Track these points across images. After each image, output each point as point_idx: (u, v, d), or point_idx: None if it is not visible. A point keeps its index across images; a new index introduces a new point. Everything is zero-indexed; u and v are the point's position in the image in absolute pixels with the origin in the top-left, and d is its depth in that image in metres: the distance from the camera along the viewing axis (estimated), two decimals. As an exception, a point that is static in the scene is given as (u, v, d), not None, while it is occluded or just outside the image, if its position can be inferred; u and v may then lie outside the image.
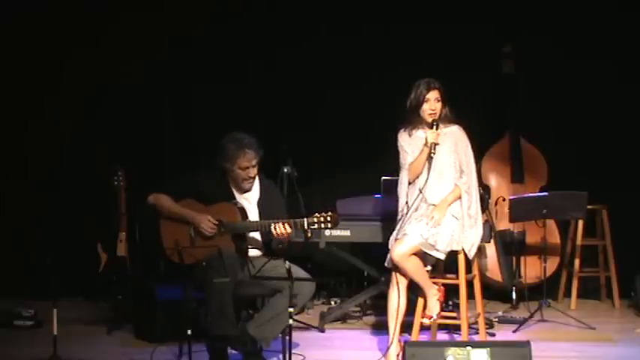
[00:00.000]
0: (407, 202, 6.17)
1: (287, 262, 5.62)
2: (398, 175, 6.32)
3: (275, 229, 5.93)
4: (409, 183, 6.21)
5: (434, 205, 6.16)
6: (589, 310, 7.94)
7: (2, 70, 8.21)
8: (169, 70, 8.26)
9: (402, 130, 6.26)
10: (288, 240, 6.04)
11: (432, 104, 6.17)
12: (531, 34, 8.25)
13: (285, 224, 5.93)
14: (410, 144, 6.22)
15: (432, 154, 6.13)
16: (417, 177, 6.18)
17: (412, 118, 6.21)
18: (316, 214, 5.95)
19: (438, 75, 6.27)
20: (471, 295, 6.39)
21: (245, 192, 6.22)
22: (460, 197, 6.17)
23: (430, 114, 6.17)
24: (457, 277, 6.25)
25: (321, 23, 8.29)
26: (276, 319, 5.92)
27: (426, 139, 6.14)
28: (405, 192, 6.21)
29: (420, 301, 6.20)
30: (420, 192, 6.15)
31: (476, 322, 6.59)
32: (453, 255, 6.18)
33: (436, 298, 6.16)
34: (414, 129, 6.22)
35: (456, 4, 8.22)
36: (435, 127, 6.15)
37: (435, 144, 6.14)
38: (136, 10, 8.14)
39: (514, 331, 7.15)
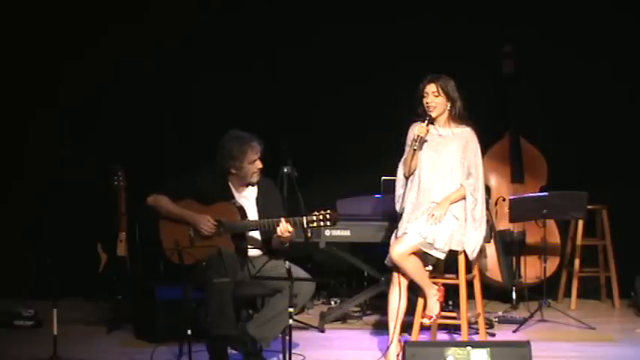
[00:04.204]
0: (402, 195, 6.18)
1: (287, 262, 5.63)
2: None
3: (279, 226, 5.94)
4: (405, 177, 6.21)
5: (435, 202, 6.16)
6: (589, 310, 7.94)
7: (1, 71, 8.21)
8: (169, 69, 8.26)
9: (414, 124, 6.25)
10: (289, 239, 6.04)
11: (428, 98, 6.16)
12: (531, 34, 8.25)
13: (288, 223, 5.95)
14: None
15: (415, 148, 6.12)
16: (413, 172, 6.17)
17: (421, 113, 6.20)
18: (315, 212, 5.96)
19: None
20: (471, 295, 6.39)
21: (244, 190, 6.22)
22: (464, 197, 6.17)
23: (427, 108, 6.16)
24: (457, 277, 6.25)
25: (321, 23, 8.29)
26: (276, 319, 5.92)
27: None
28: (400, 186, 6.23)
29: (420, 301, 6.20)
30: (413, 185, 6.17)
31: (476, 322, 6.60)
32: (453, 255, 6.19)
33: (436, 298, 6.16)
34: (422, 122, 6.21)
35: (456, 3, 8.22)
36: (427, 121, 6.14)
37: (422, 138, 6.12)
38: (135, 10, 8.15)
39: (514, 331, 7.15)
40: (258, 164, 6.17)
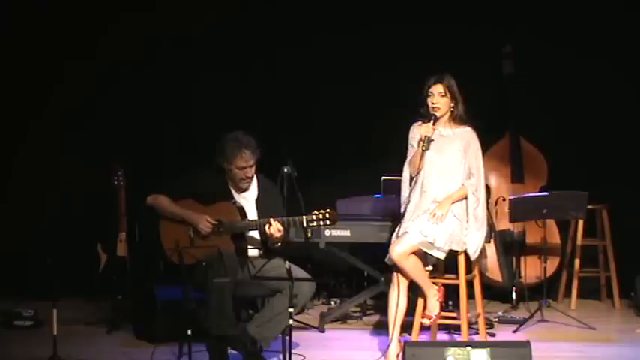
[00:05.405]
0: (408, 196, 6.18)
1: (287, 262, 5.63)
2: (398, 175, 6.33)
3: (268, 228, 5.94)
4: (411, 178, 6.22)
5: (437, 202, 6.15)
6: (589, 310, 7.94)
7: (2, 70, 8.21)
8: (169, 70, 8.26)
9: (416, 124, 6.24)
10: (282, 239, 6.03)
11: (434, 98, 6.16)
12: (531, 34, 8.26)
13: (277, 223, 5.94)
14: (418, 138, 6.20)
15: (424, 148, 6.12)
16: (418, 172, 6.18)
17: (424, 112, 6.20)
18: (315, 212, 5.97)
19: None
20: (471, 295, 6.40)
21: (243, 191, 6.22)
22: (466, 197, 6.17)
23: (433, 108, 6.16)
24: (457, 277, 6.25)
25: (321, 23, 8.29)
26: (276, 319, 5.92)
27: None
28: (406, 187, 6.23)
29: (420, 301, 6.21)
30: (416, 185, 6.17)
31: (476, 322, 6.60)
32: (453, 255, 6.19)
33: (436, 298, 6.17)
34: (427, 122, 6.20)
35: (456, 4, 8.22)
36: (432, 121, 6.14)
37: (429, 138, 6.13)
38: (135, 10, 8.15)
39: (514, 331, 7.15)
40: (247, 173, 6.14)
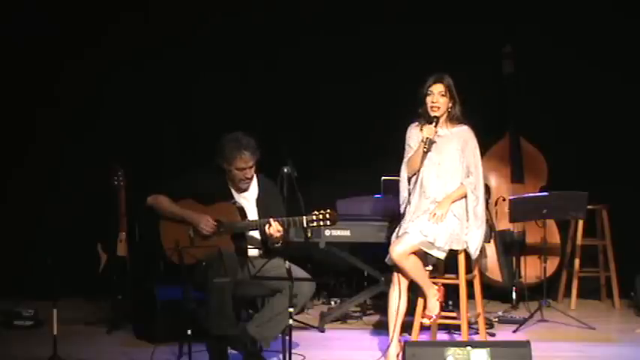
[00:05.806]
0: (407, 197, 6.18)
1: (287, 262, 5.63)
2: (398, 175, 6.32)
3: (268, 228, 5.94)
4: (409, 178, 6.21)
5: (437, 202, 6.15)
6: (589, 310, 7.94)
7: (2, 70, 8.22)
8: (169, 69, 8.27)
9: (413, 124, 6.25)
10: (281, 239, 6.04)
11: (434, 97, 6.15)
12: (531, 34, 8.26)
13: (277, 223, 5.94)
14: (416, 139, 6.20)
15: (425, 150, 6.12)
16: (416, 173, 6.18)
17: (422, 112, 6.19)
18: (315, 212, 5.97)
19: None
20: (471, 295, 6.40)
21: (243, 191, 6.23)
22: (465, 196, 6.17)
23: (432, 107, 6.15)
24: (457, 277, 6.25)
25: (322, 23, 8.29)
26: (276, 319, 5.92)
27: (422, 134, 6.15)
28: (405, 187, 6.22)
29: (420, 301, 6.21)
30: (415, 185, 6.17)
31: (476, 322, 6.60)
32: (453, 255, 6.19)
33: (436, 298, 6.17)
34: (426, 124, 6.19)
35: (456, 4, 8.22)
36: (434, 123, 6.14)
37: (431, 140, 6.12)
38: (135, 10, 8.15)
39: (514, 331, 7.15)
40: (247, 173, 6.13)
